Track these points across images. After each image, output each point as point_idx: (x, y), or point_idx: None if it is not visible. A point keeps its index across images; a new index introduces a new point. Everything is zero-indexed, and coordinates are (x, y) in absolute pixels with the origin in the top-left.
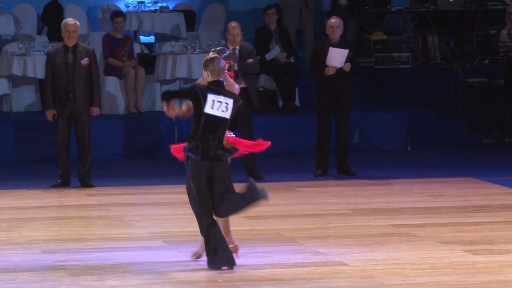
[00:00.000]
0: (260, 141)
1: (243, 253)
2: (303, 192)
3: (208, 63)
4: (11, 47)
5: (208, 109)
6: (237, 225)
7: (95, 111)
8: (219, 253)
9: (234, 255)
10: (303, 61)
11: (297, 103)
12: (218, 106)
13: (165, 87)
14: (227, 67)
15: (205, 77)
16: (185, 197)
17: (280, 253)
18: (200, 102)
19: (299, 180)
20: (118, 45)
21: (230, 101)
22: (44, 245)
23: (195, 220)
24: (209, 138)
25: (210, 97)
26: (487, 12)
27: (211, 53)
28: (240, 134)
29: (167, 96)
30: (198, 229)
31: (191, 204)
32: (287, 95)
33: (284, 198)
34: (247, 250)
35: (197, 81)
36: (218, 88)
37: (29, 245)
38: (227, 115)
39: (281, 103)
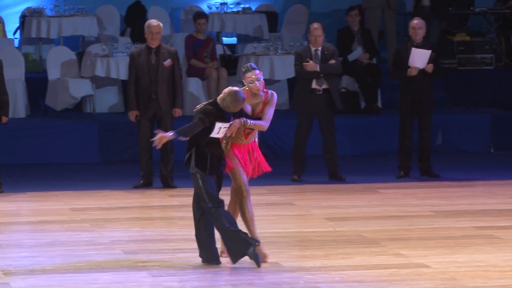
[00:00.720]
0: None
1: (325, 254)
2: (385, 194)
3: (228, 92)
4: (94, 48)
5: (214, 134)
6: (318, 226)
7: (177, 112)
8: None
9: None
10: (385, 62)
11: (379, 104)
12: (223, 132)
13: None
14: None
15: (223, 93)
16: (267, 198)
17: (361, 255)
18: (210, 130)
19: (381, 181)
20: (200, 46)
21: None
22: (126, 246)
23: (277, 221)
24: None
25: (218, 125)
26: None
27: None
28: (322, 135)
29: (185, 133)
30: (280, 230)
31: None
32: (369, 96)
33: (366, 200)
34: (329, 251)
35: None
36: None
37: (112, 245)
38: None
39: (363, 104)
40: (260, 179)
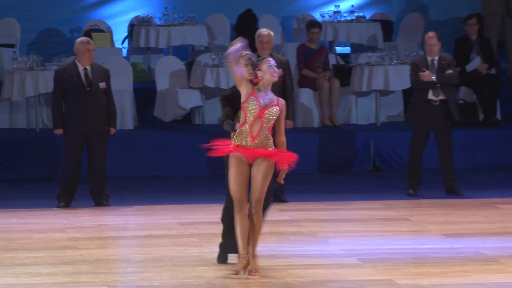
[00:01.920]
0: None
1: (441, 271)
2: (504, 209)
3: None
4: (204, 58)
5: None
6: (434, 243)
7: (288, 124)
8: None
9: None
10: (505, 73)
11: (498, 116)
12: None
13: (361, 100)
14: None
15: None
16: (382, 213)
17: (480, 273)
18: None
19: (500, 196)
20: (313, 56)
21: None
22: (236, 261)
23: (392, 237)
24: None
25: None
26: None
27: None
28: (438, 148)
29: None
30: (395, 246)
31: None
32: (488, 108)
33: (485, 215)
34: (446, 269)
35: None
36: None
37: None
38: None
39: (481, 116)
40: (374, 194)
